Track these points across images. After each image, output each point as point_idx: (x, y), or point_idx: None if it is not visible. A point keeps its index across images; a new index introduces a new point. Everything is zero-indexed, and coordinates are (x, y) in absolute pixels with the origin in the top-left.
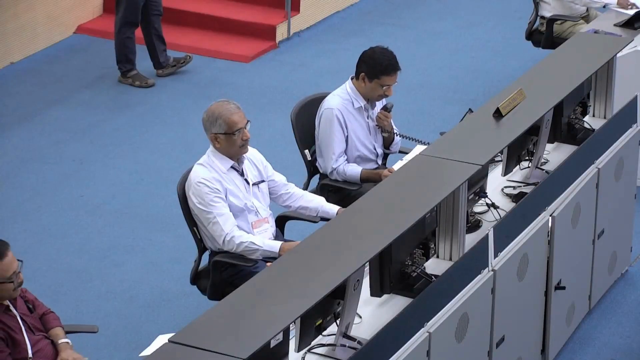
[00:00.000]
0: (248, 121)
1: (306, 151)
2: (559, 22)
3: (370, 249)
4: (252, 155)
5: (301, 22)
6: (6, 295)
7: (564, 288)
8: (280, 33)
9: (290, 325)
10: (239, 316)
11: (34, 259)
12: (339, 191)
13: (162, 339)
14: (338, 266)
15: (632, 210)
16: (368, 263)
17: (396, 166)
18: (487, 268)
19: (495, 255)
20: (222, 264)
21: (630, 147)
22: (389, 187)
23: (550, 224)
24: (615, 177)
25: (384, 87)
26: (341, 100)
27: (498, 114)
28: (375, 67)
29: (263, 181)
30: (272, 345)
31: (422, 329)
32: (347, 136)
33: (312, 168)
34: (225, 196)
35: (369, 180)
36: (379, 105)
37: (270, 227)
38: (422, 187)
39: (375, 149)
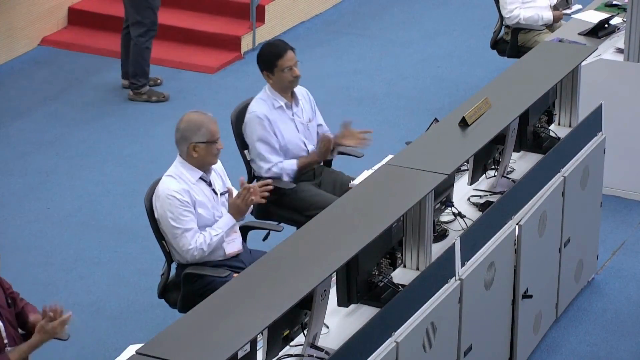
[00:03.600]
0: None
1: (245, 151)
2: (523, 31)
3: (337, 259)
4: (215, 165)
5: (266, 32)
6: None
7: (531, 297)
8: (246, 44)
9: (258, 336)
10: (207, 327)
11: None
12: (273, 191)
13: (132, 349)
14: (305, 276)
15: (598, 218)
16: (335, 273)
17: (362, 176)
18: (454, 277)
19: (462, 265)
20: (193, 275)
21: (596, 155)
22: (355, 197)
23: (516, 233)
24: (581, 185)
25: (286, 70)
26: (262, 102)
27: (464, 123)
28: (268, 58)
29: (227, 191)
30: (239, 357)
31: (390, 339)
32: (275, 136)
33: (251, 168)
34: (194, 208)
35: (306, 166)
36: (305, 99)
37: (238, 236)
38: (389, 197)
39: (305, 145)
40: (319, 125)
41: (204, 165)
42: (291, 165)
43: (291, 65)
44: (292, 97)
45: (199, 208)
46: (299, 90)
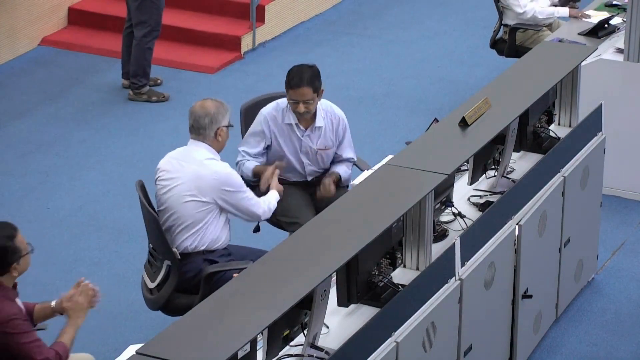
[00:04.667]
0: None
1: None
2: (521, 30)
3: (337, 259)
4: None
5: (266, 32)
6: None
7: (530, 296)
8: (246, 44)
9: (258, 336)
10: (207, 327)
11: None
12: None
13: (132, 349)
14: (305, 277)
15: (597, 218)
16: (335, 273)
17: (362, 176)
18: (454, 277)
19: (462, 265)
20: (213, 275)
21: (596, 155)
22: (355, 197)
23: (516, 233)
24: (581, 185)
25: (292, 102)
26: (275, 109)
27: (464, 123)
28: (286, 81)
29: None
30: (239, 357)
31: (390, 339)
32: (270, 144)
33: None
34: None
35: (258, 175)
36: (330, 128)
37: None
38: (389, 197)
39: (303, 169)
40: (337, 154)
41: (221, 150)
42: (250, 165)
43: (297, 100)
44: (309, 122)
45: None
46: (333, 116)
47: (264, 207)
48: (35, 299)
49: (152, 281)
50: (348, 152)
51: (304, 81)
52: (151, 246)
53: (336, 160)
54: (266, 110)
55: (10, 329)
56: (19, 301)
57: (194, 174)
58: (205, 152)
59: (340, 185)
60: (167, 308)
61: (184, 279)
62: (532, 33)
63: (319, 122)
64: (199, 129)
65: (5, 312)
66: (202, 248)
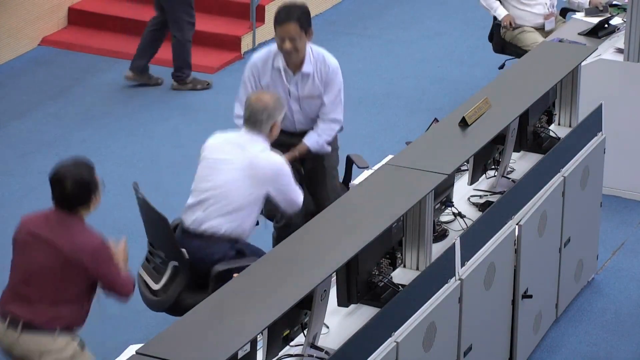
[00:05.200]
0: None
1: None
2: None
3: (337, 259)
4: None
5: (266, 32)
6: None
7: (530, 296)
8: (246, 44)
9: (258, 336)
10: (207, 327)
11: (0, 272)
12: None
13: (132, 349)
14: (305, 276)
15: (598, 218)
16: (335, 273)
17: (362, 176)
18: (454, 277)
19: (462, 265)
20: (224, 272)
21: (596, 155)
22: (355, 197)
23: (516, 233)
24: (581, 185)
25: (278, 40)
26: (265, 54)
27: (464, 123)
28: (274, 19)
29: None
30: (239, 357)
31: (390, 339)
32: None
33: None
34: None
35: None
36: (319, 76)
37: None
38: (389, 197)
39: (292, 115)
40: (323, 108)
41: (272, 141)
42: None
43: (283, 36)
44: (298, 67)
45: None
46: (323, 64)
47: (301, 196)
48: None
49: (156, 282)
50: (333, 111)
51: (290, 17)
52: (151, 247)
53: (322, 117)
54: (255, 56)
55: (99, 257)
56: None
57: (251, 163)
58: (262, 145)
59: (311, 155)
60: (174, 309)
61: (205, 261)
62: (518, 32)
63: (307, 67)
64: (255, 123)
65: (95, 242)
66: (233, 235)
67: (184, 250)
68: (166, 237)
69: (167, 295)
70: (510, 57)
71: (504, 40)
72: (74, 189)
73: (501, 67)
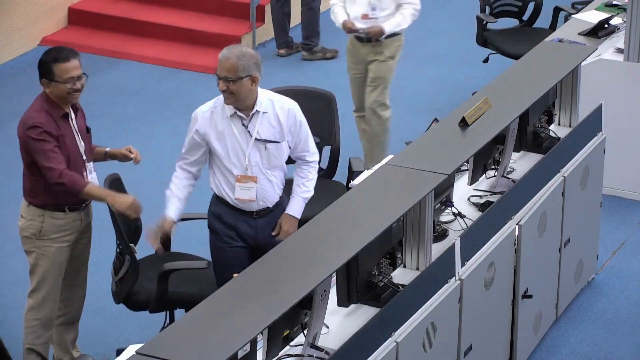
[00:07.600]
0: None
1: None
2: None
3: (337, 259)
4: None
5: (266, 32)
6: (62, 96)
7: (530, 297)
8: (245, 44)
9: (258, 336)
10: (207, 327)
11: (1, 272)
12: None
13: (132, 349)
14: (305, 276)
15: (597, 218)
16: (335, 273)
17: (362, 176)
18: (454, 277)
19: (462, 265)
20: (170, 272)
21: (596, 155)
22: (355, 197)
23: (516, 233)
24: (581, 185)
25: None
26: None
27: (464, 123)
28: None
29: (274, 142)
30: (239, 357)
31: (390, 339)
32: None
33: None
34: (205, 140)
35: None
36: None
37: (260, 187)
38: (389, 197)
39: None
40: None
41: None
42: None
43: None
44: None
45: (215, 141)
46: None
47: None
48: None
49: (116, 274)
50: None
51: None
52: (118, 242)
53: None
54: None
55: (30, 134)
56: (74, 125)
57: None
58: (210, 102)
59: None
60: (127, 302)
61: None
62: None
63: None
64: (245, 68)
65: (32, 119)
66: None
67: (132, 245)
68: (119, 232)
69: (121, 288)
70: (493, 51)
71: (484, 34)
72: (40, 61)
73: (485, 60)
